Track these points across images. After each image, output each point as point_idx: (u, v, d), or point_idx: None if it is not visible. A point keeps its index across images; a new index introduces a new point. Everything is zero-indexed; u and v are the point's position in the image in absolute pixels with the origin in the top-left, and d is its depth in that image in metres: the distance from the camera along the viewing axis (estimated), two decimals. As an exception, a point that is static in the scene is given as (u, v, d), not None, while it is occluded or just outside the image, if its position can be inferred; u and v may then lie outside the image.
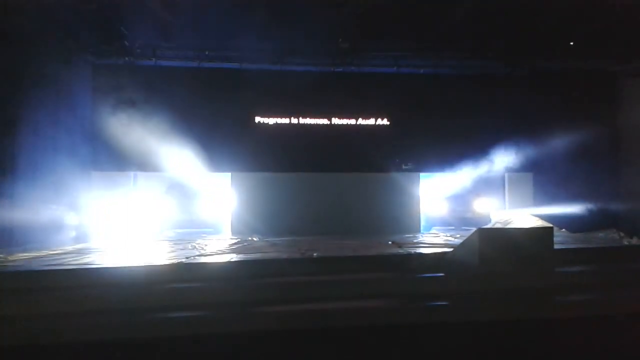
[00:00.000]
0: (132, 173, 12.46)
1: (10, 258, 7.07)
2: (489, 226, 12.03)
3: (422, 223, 13.43)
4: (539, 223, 11.36)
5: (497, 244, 5.60)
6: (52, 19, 9.71)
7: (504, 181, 14.19)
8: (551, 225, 8.73)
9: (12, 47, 9.02)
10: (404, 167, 9.88)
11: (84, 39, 11.11)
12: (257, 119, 13.19)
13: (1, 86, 8.83)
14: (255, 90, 12.65)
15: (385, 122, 13.59)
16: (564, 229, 11.28)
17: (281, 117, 13.31)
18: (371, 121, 13.57)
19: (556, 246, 5.93)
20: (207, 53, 12.59)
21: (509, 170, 13.57)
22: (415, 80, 13.52)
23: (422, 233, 12.43)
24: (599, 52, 12.68)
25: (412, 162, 13.33)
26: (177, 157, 11.76)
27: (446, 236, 10.74)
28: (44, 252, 7.74)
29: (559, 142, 12.88)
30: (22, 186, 9.31)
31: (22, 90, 9.35)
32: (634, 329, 4.95)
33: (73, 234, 10.44)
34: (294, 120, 13.38)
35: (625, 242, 8.87)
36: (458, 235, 10.34)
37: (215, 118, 12.51)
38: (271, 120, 13.27)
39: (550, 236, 5.84)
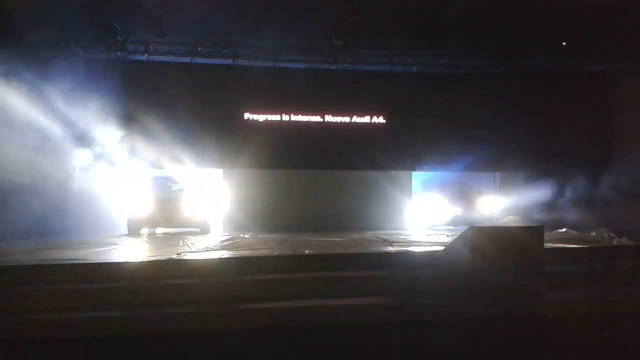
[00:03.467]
0: (123, 168, 12.38)
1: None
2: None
3: (419, 222, 13.29)
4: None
5: (487, 242, 5.61)
6: (45, 14, 9.63)
7: (495, 180, 14.25)
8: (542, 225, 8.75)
9: (4, 42, 8.93)
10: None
11: (77, 33, 11.03)
12: (250, 116, 13.17)
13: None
14: (248, 86, 12.64)
15: (377, 119, 13.62)
16: (565, 229, 11.34)
17: (274, 114, 13.31)
18: (363, 119, 13.59)
19: (546, 245, 5.95)
20: (200, 49, 12.57)
21: (502, 169, 13.62)
22: (408, 78, 13.55)
23: (415, 231, 12.41)
24: (591, 52, 12.77)
25: (406, 160, 13.33)
26: (168, 153, 11.70)
27: (438, 235, 10.74)
28: (29, 248, 7.67)
29: (551, 141, 12.95)
30: (13, 179, 9.25)
31: (14, 85, 9.25)
32: (622, 327, 4.98)
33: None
34: (288, 117, 13.38)
35: (615, 242, 8.93)
36: (450, 234, 10.35)
37: (208, 114, 12.48)
38: (264, 117, 13.26)
39: (540, 235, 5.86)
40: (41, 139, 9.95)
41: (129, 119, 11.43)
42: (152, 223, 10.96)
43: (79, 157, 11.61)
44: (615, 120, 13.63)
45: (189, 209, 10.91)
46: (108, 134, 11.36)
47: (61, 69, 10.59)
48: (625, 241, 8.73)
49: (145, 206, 10.74)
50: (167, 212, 10.76)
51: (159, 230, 11.42)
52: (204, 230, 11.09)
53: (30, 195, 9.41)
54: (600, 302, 5.33)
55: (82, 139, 11.26)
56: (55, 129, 10.35)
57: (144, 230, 11.06)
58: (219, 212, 12.36)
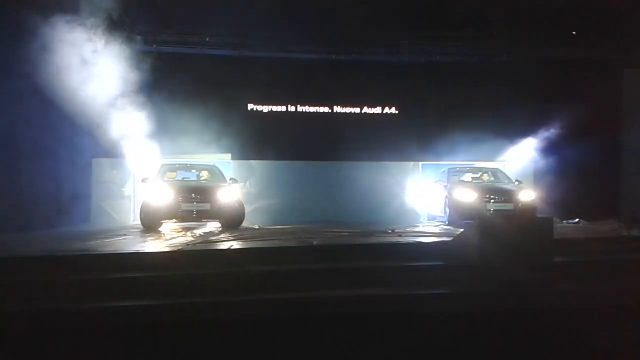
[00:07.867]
0: (133, 159, 12.36)
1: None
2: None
3: (438, 215, 12.47)
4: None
5: (496, 234, 5.61)
6: (52, 5, 9.65)
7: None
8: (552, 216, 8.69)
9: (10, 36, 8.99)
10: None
11: (84, 24, 11.02)
12: (256, 107, 13.21)
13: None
14: (255, 77, 12.61)
15: (386, 110, 13.60)
16: (578, 219, 11.30)
17: (281, 105, 13.33)
18: (372, 109, 13.58)
19: (556, 236, 5.93)
20: (207, 39, 12.55)
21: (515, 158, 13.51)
22: (417, 68, 13.45)
23: (423, 223, 12.34)
24: (600, 42, 12.63)
25: (413, 150, 13.23)
26: (176, 144, 11.71)
27: (446, 226, 10.70)
28: (40, 238, 7.74)
29: (560, 132, 12.86)
30: (24, 171, 9.35)
31: (23, 76, 9.30)
32: (632, 319, 4.96)
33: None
34: (296, 108, 13.40)
35: (625, 233, 8.89)
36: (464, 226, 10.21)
37: (216, 106, 12.46)
38: (271, 108, 13.28)
39: (550, 226, 5.84)
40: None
41: (137, 111, 11.38)
42: (174, 215, 9.37)
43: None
44: (624, 110, 13.46)
45: (222, 199, 9.45)
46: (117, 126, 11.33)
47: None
48: (635, 232, 8.69)
49: (164, 195, 9.23)
50: (193, 203, 9.27)
51: (176, 224, 10.20)
52: (234, 224, 9.68)
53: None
54: (610, 293, 5.31)
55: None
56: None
57: (162, 224, 9.66)
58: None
